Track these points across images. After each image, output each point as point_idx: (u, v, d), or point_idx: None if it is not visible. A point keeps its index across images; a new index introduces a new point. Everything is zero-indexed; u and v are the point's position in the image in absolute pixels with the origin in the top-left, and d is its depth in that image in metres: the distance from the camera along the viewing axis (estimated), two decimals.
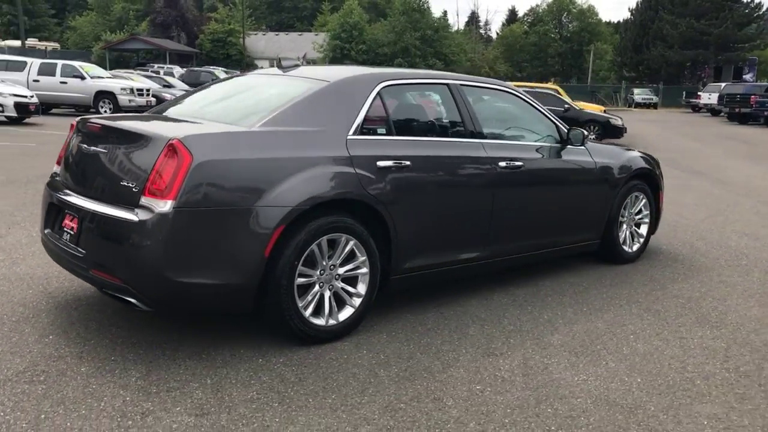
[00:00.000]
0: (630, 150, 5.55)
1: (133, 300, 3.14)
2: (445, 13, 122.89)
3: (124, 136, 3.35)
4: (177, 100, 4.28)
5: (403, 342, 3.64)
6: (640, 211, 5.51)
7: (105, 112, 18.73)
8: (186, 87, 23.77)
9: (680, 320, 4.15)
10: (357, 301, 3.65)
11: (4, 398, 2.81)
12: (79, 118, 3.83)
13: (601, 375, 3.31)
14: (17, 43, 47.84)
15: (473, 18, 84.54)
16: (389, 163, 3.67)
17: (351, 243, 3.55)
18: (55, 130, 14.70)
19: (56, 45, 54.37)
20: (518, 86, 21.51)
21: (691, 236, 6.54)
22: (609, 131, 17.76)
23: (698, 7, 46.86)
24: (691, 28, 46.38)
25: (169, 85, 24.33)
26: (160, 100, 19.67)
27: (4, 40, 51.32)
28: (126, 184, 3.16)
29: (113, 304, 3.83)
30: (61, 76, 19.20)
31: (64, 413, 2.72)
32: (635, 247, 5.49)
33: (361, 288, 3.66)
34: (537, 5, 71.51)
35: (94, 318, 3.74)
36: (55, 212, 3.61)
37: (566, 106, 17.86)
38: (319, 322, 3.50)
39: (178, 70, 34.85)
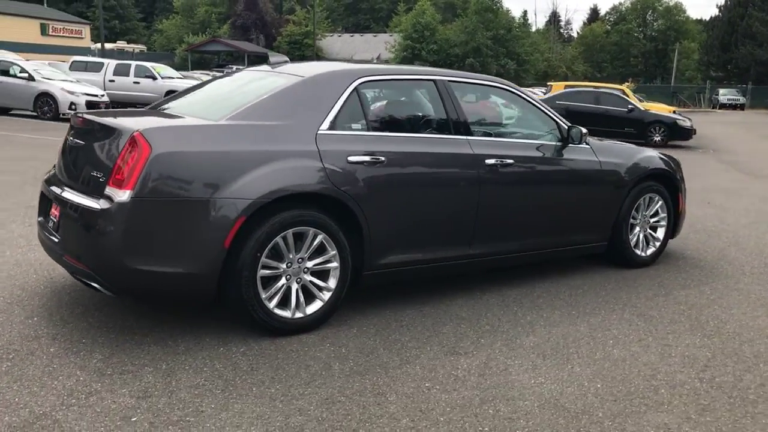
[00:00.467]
0: (645, 150, 5.32)
1: (97, 286, 3.28)
2: (525, 12, 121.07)
3: (100, 130, 3.50)
4: (179, 95, 4.42)
5: (371, 337, 3.64)
6: (656, 214, 5.28)
7: None
8: None
9: (672, 327, 3.96)
10: (327, 295, 3.67)
11: None
12: (73, 113, 4.04)
13: (560, 379, 3.21)
14: (108, 45, 50.53)
15: (554, 17, 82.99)
16: (361, 158, 3.68)
17: (320, 237, 3.58)
18: None
19: (143, 47, 57.06)
20: (583, 86, 21.02)
21: (725, 242, 6.22)
22: (676, 133, 17.10)
23: None
24: None
25: None
26: None
27: (96, 42, 54.23)
28: (96, 174, 3.32)
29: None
30: (135, 76, 20.13)
31: (17, 389, 2.87)
32: (649, 251, 5.27)
33: (332, 282, 3.68)
34: (620, 3, 69.38)
35: (82, 303, 3.92)
36: (45, 203, 3.81)
37: (630, 107, 17.32)
38: (285, 314, 3.54)
39: None
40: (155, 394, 2.90)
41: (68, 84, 16.42)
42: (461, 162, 4.08)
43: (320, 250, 3.63)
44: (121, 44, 54.83)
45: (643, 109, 17.66)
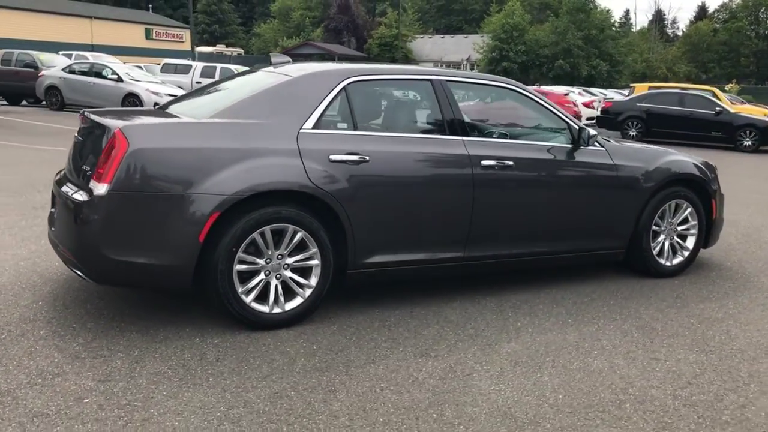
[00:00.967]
0: (672, 153, 5.04)
1: (82, 274, 3.47)
2: (627, 12, 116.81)
3: (96, 127, 3.70)
4: (185, 96, 4.56)
5: (348, 335, 3.66)
6: (685, 221, 4.99)
7: None
8: None
9: (671, 340, 3.75)
10: (307, 292, 3.72)
11: None
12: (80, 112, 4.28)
13: (522, 387, 3.12)
14: (209, 49, 52.92)
15: (658, 16, 79.61)
16: (344, 157, 3.70)
17: (299, 234, 3.63)
18: None
19: (240, 51, 59.10)
20: (668, 87, 20.05)
21: None
22: None
23: None
24: None
25: None
26: None
27: (197, 46, 56.87)
28: (86, 169, 3.52)
29: None
30: (219, 77, 20.98)
31: None
32: (676, 261, 4.99)
33: (313, 280, 3.73)
34: (730, 0, 65.57)
35: (87, 290, 4.14)
36: (53, 199, 4.06)
37: (718, 109, 16.40)
38: (263, 309, 3.62)
39: None
40: (116, 379, 3.03)
41: (153, 85, 17.35)
42: (453, 162, 4.02)
43: (302, 247, 3.68)
44: (220, 47, 57.06)
45: (732, 111, 16.65)
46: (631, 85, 23.89)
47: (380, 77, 4.11)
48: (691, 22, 72.94)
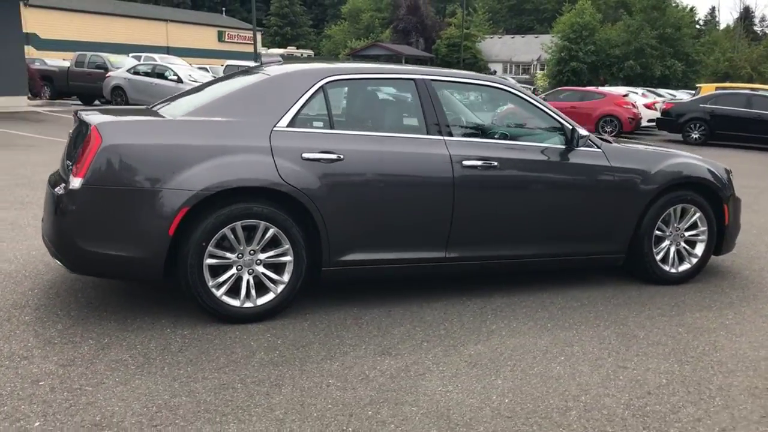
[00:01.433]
0: (680, 155, 4.83)
1: (61, 264, 3.65)
2: (712, 9, 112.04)
3: (81, 124, 3.87)
4: (182, 95, 4.67)
5: (317, 332, 3.69)
6: (694, 226, 4.78)
7: None
8: None
9: (648, 349, 3.61)
10: (280, 288, 3.78)
11: None
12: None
13: (471, 390, 3.07)
14: (279, 50, 54.13)
15: (746, 13, 76.01)
16: (317, 155, 3.74)
17: (271, 230, 3.69)
18: None
19: (310, 52, 60.19)
20: (737, 88, 19.11)
21: None
22: None
23: None
24: None
25: None
26: None
27: (268, 48, 58.27)
28: (68, 163, 3.69)
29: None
30: None
31: None
32: (682, 268, 4.78)
33: (286, 276, 3.79)
34: None
35: (83, 281, 4.34)
36: None
37: None
38: (234, 302, 3.70)
39: None
40: (77, 364, 3.18)
41: None
42: (432, 162, 3.99)
43: (275, 243, 3.74)
44: (290, 49, 58.30)
45: None
46: (698, 85, 22.92)
47: (360, 76, 4.12)
48: None
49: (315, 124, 3.90)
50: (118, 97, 18.53)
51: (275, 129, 3.73)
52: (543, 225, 4.33)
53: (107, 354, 3.30)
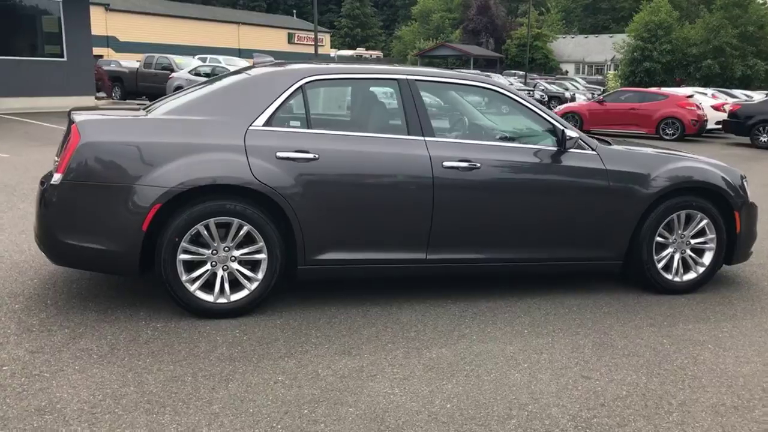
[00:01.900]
0: (686, 158, 4.59)
1: (45, 255, 3.82)
2: None
3: (70, 123, 4.03)
4: (173, 94, 4.79)
5: (286, 330, 3.73)
6: (701, 234, 4.55)
7: None
8: None
9: (621, 360, 3.46)
10: (254, 285, 3.84)
11: None
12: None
13: (417, 393, 3.03)
14: (349, 52, 54.82)
15: None
16: (291, 154, 3.78)
17: (245, 228, 3.75)
18: None
19: (379, 53, 60.58)
20: None
21: None
22: None
23: None
24: None
25: None
26: None
27: (339, 50, 59.06)
28: (56, 160, 3.86)
29: None
30: None
31: None
32: (687, 277, 4.56)
33: (260, 273, 3.84)
34: None
35: (81, 273, 4.53)
36: None
37: None
38: (208, 298, 3.78)
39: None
40: (45, 351, 3.32)
41: None
42: (411, 163, 3.95)
43: (250, 241, 3.80)
44: (360, 50, 58.89)
45: None
46: None
47: (340, 76, 4.12)
48: None
49: (292, 123, 3.94)
50: None
51: (251, 128, 3.79)
52: (528, 228, 4.21)
53: (77, 343, 3.43)
